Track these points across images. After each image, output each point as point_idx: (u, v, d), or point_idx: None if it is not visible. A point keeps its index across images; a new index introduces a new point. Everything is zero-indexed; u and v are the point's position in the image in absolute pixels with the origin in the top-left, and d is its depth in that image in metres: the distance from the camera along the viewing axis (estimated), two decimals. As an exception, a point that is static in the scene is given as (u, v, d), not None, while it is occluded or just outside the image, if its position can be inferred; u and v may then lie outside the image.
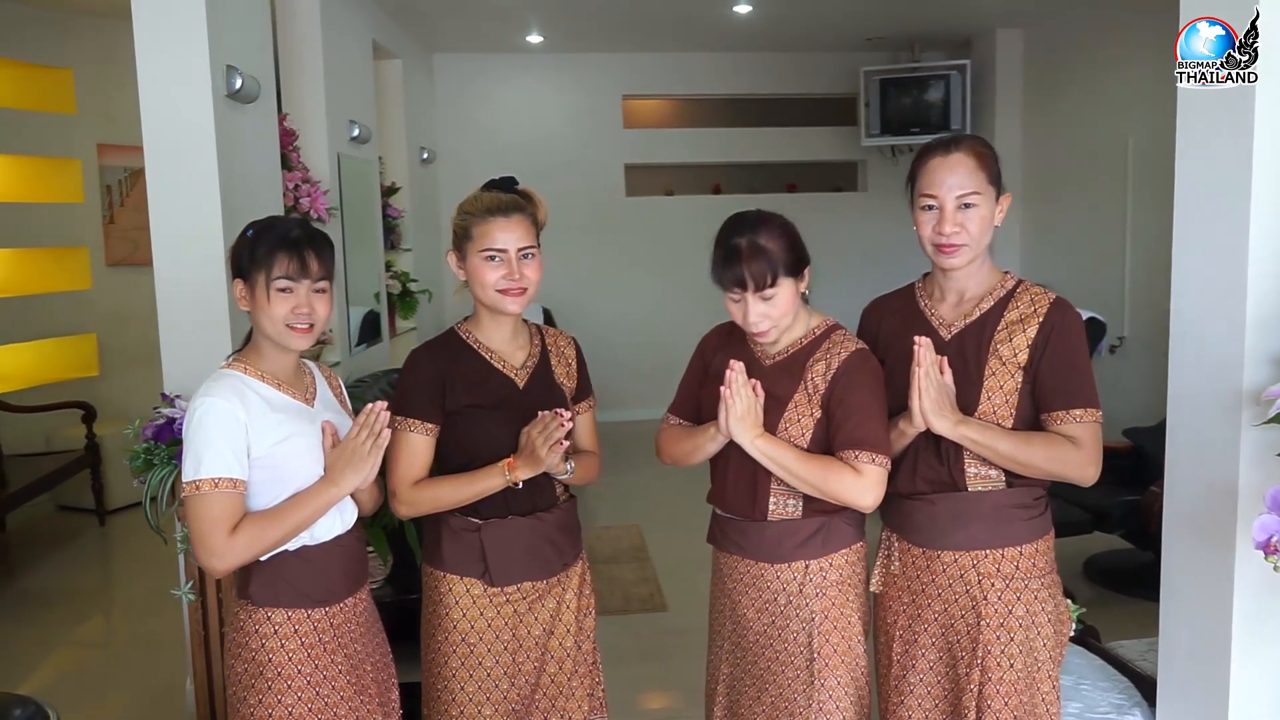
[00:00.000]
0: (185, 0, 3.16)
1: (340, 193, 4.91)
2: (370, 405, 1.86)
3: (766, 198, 8.21)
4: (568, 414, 1.99)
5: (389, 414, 1.87)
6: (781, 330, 2.04)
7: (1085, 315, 5.68)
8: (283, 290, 1.84)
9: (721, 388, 1.95)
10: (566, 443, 2.00)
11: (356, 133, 5.19)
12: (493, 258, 2.03)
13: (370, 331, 5.43)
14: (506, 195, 2.08)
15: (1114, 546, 4.57)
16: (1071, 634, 2.40)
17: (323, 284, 1.88)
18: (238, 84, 3.42)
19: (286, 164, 4.38)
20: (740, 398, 1.95)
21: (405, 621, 2.37)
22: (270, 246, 1.85)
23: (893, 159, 7.91)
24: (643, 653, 3.96)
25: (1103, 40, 6.26)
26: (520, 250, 2.04)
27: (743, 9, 6.31)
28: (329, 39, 4.85)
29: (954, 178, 1.93)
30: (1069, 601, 2.43)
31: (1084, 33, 6.48)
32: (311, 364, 2.06)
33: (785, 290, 1.98)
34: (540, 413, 2.04)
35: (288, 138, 4.45)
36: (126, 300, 6.08)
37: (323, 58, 4.78)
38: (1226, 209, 1.90)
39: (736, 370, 1.95)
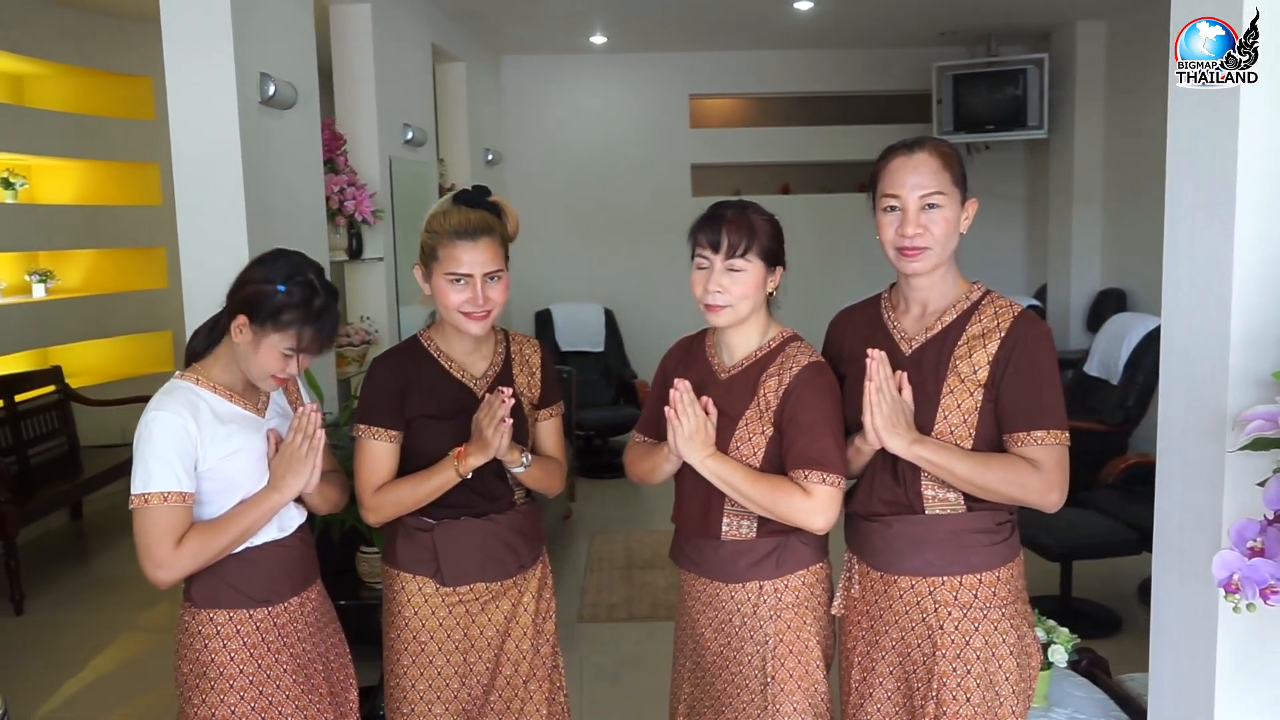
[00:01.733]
0: (212, 8, 3.23)
1: (391, 195, 5.01)
2: (301, 409, 1.88)
3: (838, 197, 8.11)
4: (509, 390, 1.98)
5: (320, 414, 1.89)
6: (737, 316, 1.96)
7: (1155, 321, 5.39)
8: (286, 354, 1.84)
9: (666, 408, 1.91)
10: (510, 420, 1.97)
11: (410, 135, 5.27)
12: (457, 280, 2.00)
13: (429, 329, 5.51)
14: (475, 213, 2.02)
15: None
16: (1065, 663, 2.28)
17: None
18: (271, 90, 3.50)
19: (333, 168, 4.47)
20: (687, 417, 1.90)
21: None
22: (296, 321, 1.81)
23: (968, 156, 7.66)
24: (663, 661, 3.91)
25: (1187, 31, 5.92)
26: (486, 274, 2.00)
27: (803, 5, 6.19)
28: (381, 43, 4.93)
29: (917, 177, 1.86)
30: (1064, 630, 2.31)
31: (1169, 24, 6.14)
32: None
33: (753, 271, 1.92)
34: (485, 395, 2.03)
35: (335, 142, 4.55)
36: (200, 299, 6.32)
37: (374, 62, 4.85)
38: (1212, 217, 1.76)
39: (681, 389, 1.90)
